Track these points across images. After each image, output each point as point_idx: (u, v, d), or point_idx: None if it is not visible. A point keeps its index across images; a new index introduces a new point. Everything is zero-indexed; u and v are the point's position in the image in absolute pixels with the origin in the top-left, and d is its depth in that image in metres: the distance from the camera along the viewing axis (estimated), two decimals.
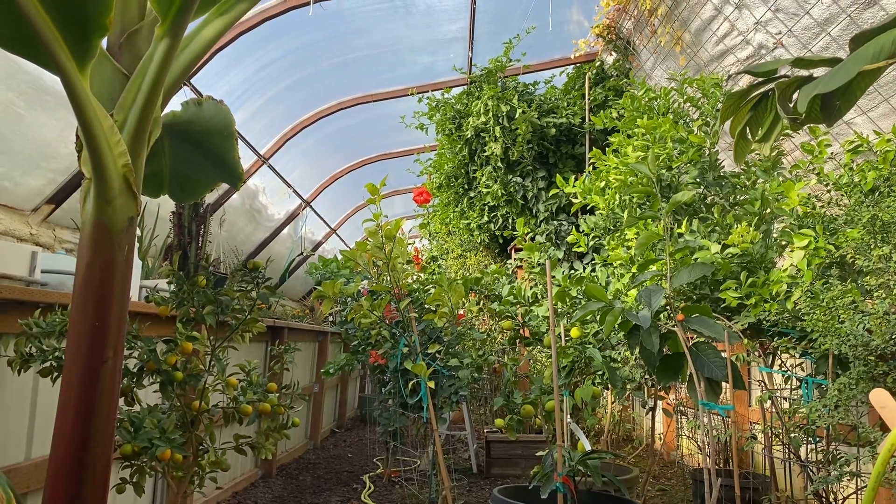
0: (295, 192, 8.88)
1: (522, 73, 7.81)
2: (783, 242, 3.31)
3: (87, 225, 1.37)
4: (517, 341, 4.51)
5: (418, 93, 7.83)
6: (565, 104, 7.63)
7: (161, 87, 1.42)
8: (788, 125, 1.53)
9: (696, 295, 3.47)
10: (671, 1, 5.41)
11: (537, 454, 3.36)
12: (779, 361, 3.49)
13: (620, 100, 5.09)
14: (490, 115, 7.29)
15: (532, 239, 7.21)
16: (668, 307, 3.06)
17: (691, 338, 3.03)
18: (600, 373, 3.51)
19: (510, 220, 7.83)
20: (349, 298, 5.63)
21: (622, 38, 6.87)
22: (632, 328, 3.06)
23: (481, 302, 4.98)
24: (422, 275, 5.75)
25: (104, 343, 1.35)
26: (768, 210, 3.57)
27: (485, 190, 7.70)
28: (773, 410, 3.34)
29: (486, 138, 7.48)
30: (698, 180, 3.99)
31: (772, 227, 3.61)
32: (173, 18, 1.38)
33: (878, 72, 1.27)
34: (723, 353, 2.89)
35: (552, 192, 6.19)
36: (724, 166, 4.15)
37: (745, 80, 4.79)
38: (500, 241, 8.38)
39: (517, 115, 7.11)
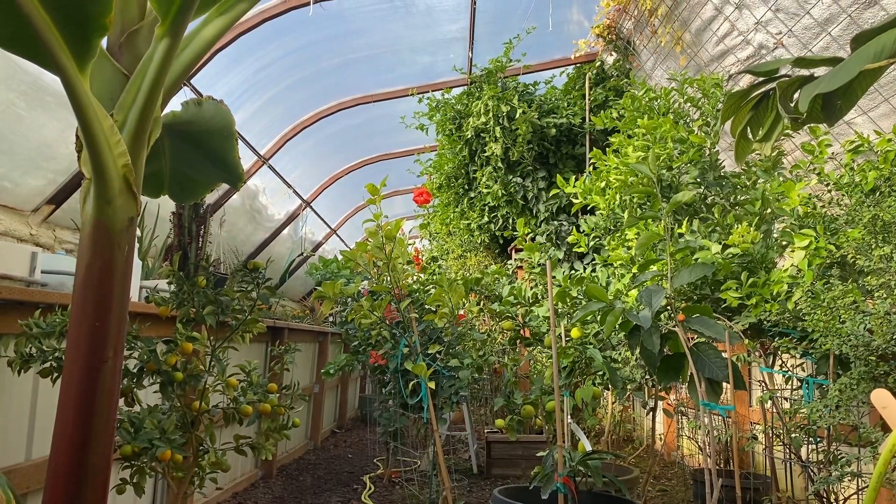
0: (295, 192, 8.88)
1: (523, 74, 7.80)
2: (784, 242, 3.31)
3: (86, 225, 1.37)
4: (517, 342, 4.51)
5: (418, 93, 7.83)
6: (565, 104, 7.62)
7: (161, 86, 1.42)
8: (789, 125, 1.53)
9: (696, 295, 3.47)
10: (671, 1, 5.41)
11: (538, 455, 3.36)
12: (779, 362, 3.49)
13: (621, 100, 5.08)
14: (490, 115, 7.29)
15: (532, 239, 7.21)
16: (668, 307, 3.06)
17: (692, 338, 3.03)
18: (601, 373, 3.51)
19: (510, 221, 7.83)
20: (349, 299, 5.63)
21: (622, 39, 6.87)
22: (632, 328, 3.06)
23: (482, 302, 4.98)
24: (422, 275, 5.74)
25: (104, 343, 1.35)
26: (769, 210, 3.57)
27: (485, 190, 7.70)
28: (774, 411, 3.34)
29: (487, 138, 7.48)
30: (699, 180, 3.98)
31: (772, 228, 3.60)
32: (173, 18, 1.37)
33: (880, 71, 1.27)
34: (723, 354, 2.89)
35: (552, 192, 6.19)
36: (724, 166, 4.15)
37: (746, 81, 4.79)
38: (501, 241, 8.37)
39: (517, 116, 7.11)
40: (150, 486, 3.68)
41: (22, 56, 1.43)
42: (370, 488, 5.23)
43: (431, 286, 5.20)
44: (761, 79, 1.58)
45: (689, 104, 4.41)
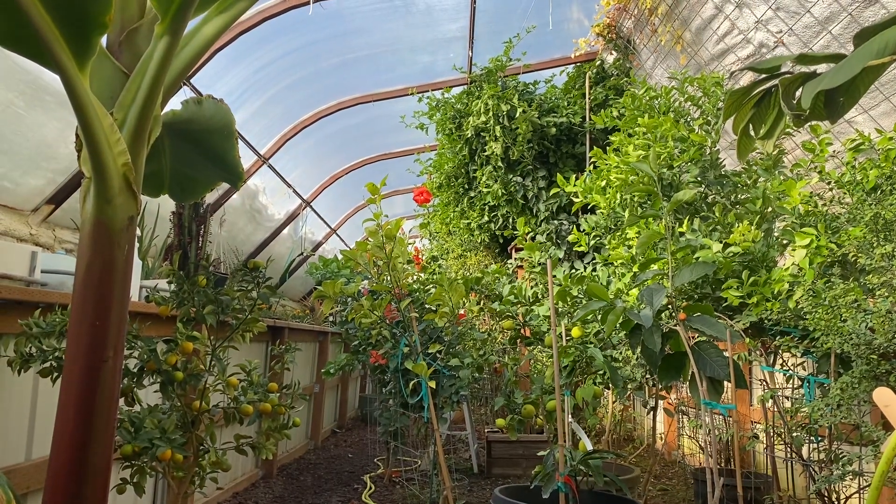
0: (295, 192, 8.88)
1: (523, 73, 7.80)
2: (785, 241, 3.31)
3: (86, 224, 1.36)
4: (518, 341, 4.50)
5: (418, 92, 7.82)
6: (566, 103, 7.62)
7: (161, 85, 1.41)
8: (792, 121, 1.52)
9: (697, 294, 3.46)
10: (672, 0, 5.41)
11: (538, 454, 3.35)
12: (780, 360, 3.48)
13: (621, 99, 5.08)
14: (490, 114, 7.28)
15: (532, 238, 7.20)
16: (669, 306, 3.06)
17: (693, 337, 3.02)
18: (601, 372, 3.50)
19: (510, 220, 7.83)
20: (350, 298, 5.62)
21: (622, 37, 6.86)
22: (633, 327, 3.05)
23: (482, 302, 4.97)
24: (422, 275, 5.74)
25: (104, 343, 1.35)
26: (770, 209, 3.56)
27: (485, 189, 7.70)
28: (775, 410, 3.33)
29: (487, 138, 7.47)
30: (699, 179, 3.98)
31: (773, 226, 3.60)
32: (173, 16, 1.37)
33: (883, 67, 1.26)
34: (725, 353, 2.88)
35: (553, 191, 6.18)
36: (725, 165, 4.15)
37: (746, 79, 4.78)
38: (501, 240, 8.37)
39: (517, 115, 7.10)
40: (151, 485, 3.68)
41: (21, 54, 1.43)
42: (371, 488, 5.23)
43: (432, 285, 5.19)
44: (763, 76, 1.57)
45: (689, 103, 4.40)
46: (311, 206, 9.64)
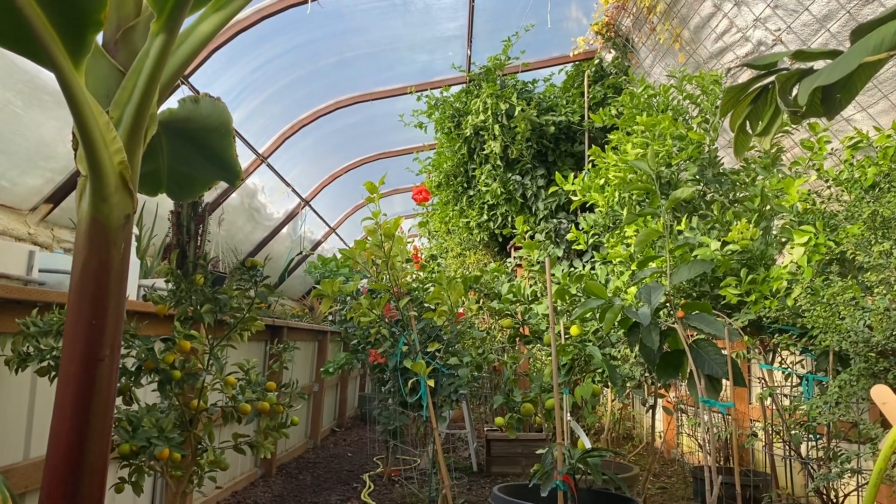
0: (294, 191, 8.87)
1: (521, 71, 7.80)
2: (783, 239, 3.30)
3: (83, 223, 1.36)
4: (517, 339, 4.50)
5: (417, 91, 7.82)
6: (564, 102, 7.62)
7: (157, 83, 1.41)
8: (788, 118, 1.52)
9: (695, 292, 3.46)
10: None
11: (537, 452, 3.36)
12: (779, 358, 3.48)
13: (619, 97, 5.07)
14: (489, 113, 7.28)
15: (531, 237, 7.20)
16: (667, 304, 3.06)
17: (691, 335, 3.02)
18: (600, 371, 3.50)
19: (509, 219, 7.82)
20: (348, 297, 5.62)
21: (621, 36, 6.86)
22: (632, 325, 3.05)
23: (481, 300, 4.97)
24: (421, 273, 5.74)
25: (101, 341, 1.34)
26: (768, 207, 3.56)
27: (484, 188, 7.69)
28: (774, 408, 3.33)
29: (485, 136, 7.47)
30: (698, 177, 3.98)
31: (771, 224, 3.60)
32: (169, 14, 1.37)
33: (879, 64, 1.26)
34: (723, 351, 2.88)
35: (551, 189, 6.18)
36: (723, 163, 4.15)
37: (744, 77, 4.78)
38: (500, 239, 8.37)
39: (516, 114, 7.10)
40: (149, 484, 3.67)
41: (17, 52, 1.42)
42: (370, 487, 5.23)
43: (430, 284, 5.19)
44: (760, 73, 1.57)
45: (687, 101, 4.40)
46: (309, 205, 9.64)
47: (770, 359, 3.47)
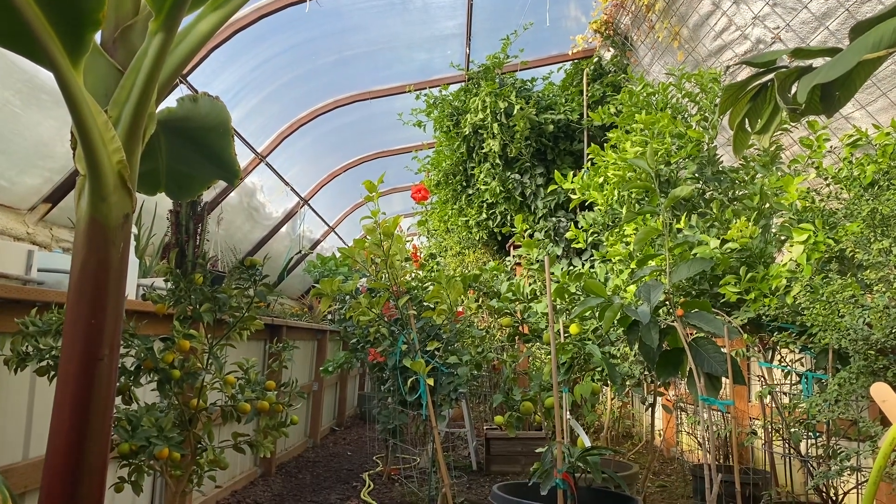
0: (293, 190, 8.87)
1: (520, 70, 7.79)
2: (782, 237, 3.31)
3: (81, 222, 1.36)
4: (516, 338, 4.50)
5: (416, 90, 7.82)
6: (563, 100, 7.62)
7: (156, 82, 1.41)
8: (788, 116, 1.52)
9: (695, 290, 3.46)
10: None
11: (537, 451, 3.36)
12: (778, 356, 3.49)
13: (618, 95, 5.07)
14: (488, 111, 7.28)
15: (531, 236, 7.20)
16: (667, 302, 3.05)
17: (691, 333, 3.02)
18: (599, 369, 3.50)
19: (508, 217, 7.82)
20: (347, 296, 5.62)
21: (620, 34, 6.86)
22: (631, 324, 3.05)
23: (480, 299, 4.97)
24: (420, 272, 5.74)
25: (100, 341, 1.34)
26: (767, 205, 3.56)
27: (483, 187, 7.69)
28: (773, 406, 3.34)
29: (484, 135, 7.47)
30: (697, 175, 3.98)
31: (771, 222, 3.60)
32: (167, 13, 1.36)
33: (878, 61, 1.26)
34: (722, 349, 2.88)
35: (550, 188, 6.18)
36: (722, 161, 4.15)
37: (743, 75, 4.78)
38: (499, 237, 8.37)
39: (515, 112, 7.10)
40: (149, 484, 3.67)
41: (15, 52, 1.42)
42: (369, 485, 5.23)
43: (430, 283, 5.19)
44: (759, 70, 1.57)
45: (686, 99, 4.40)
46: (308, 204, 9.63)
47: (769, 357, 3.48)
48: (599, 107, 5.95)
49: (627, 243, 4.05)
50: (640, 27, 6.35)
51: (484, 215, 8.04)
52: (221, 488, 4.69)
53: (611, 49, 7.14)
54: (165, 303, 2.96)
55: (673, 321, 2.97)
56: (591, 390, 3.36)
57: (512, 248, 7.83)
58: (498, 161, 7.43)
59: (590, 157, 4.84)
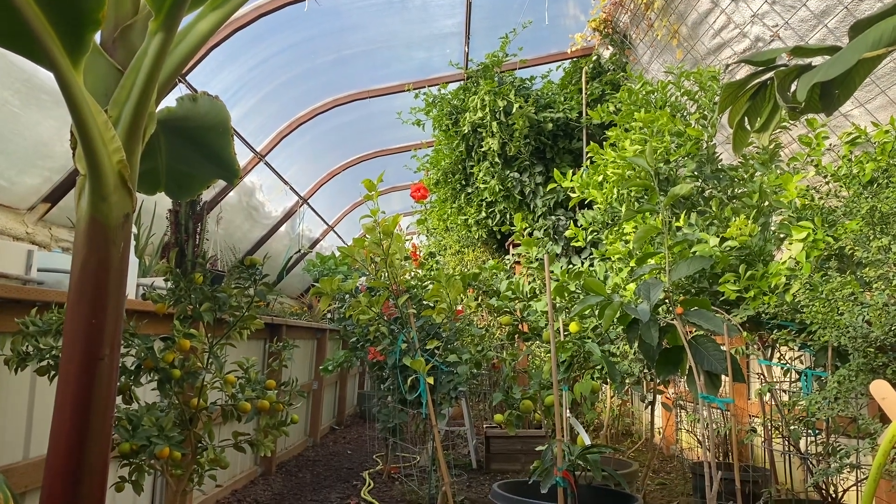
0: (292, 189, 8.87)
1: (519, 68, 7.79)
2: (781, 235, 3.31)
3: (81, 222, 1.36)
4: (516, 336, 4.50)
5: (415, 88, 7.81)
6: (562, 99, 7.62)
7: (156, 82, 1.41)
8: (787, 114, 1.52)
9: (694, 288, 3.46)
10: None
11: (537, 449, 3.36)
12: (778, 354, 3.49)
13: (617, 94, 5.07)
14: (487, 110, 7.28)
15: (530, 234, 7.20)
16: (666, 300, 3.06)
17: (690, 331, 3.02)
18: (599, 367, 3.51)
19: (508, 216, 7.83)
20: (347, 295, 5.62)
21: (619, 33, 6.86)
22: (631, 322, 3.05)
23: (479, 298, 4.97)
24: (420, 271, 5.74)
25: (100, 341, 1.34)
26: (766, 203, 3.56)
27: (482, 185, 7.69)
28: (773, 403, 3.34)
29: (483, 134, 7.46)
30: (696, 173, 3.98)
31: (770, 220, 3.60)
32: (167, 13, 1.36)
33: (878, 59, 1.26)
34: (722, 347, 2.89)
35: (550, 186, 6.18)
36: (721, 159, 4.15)
37: (742, 73, 4.78)
38: (498, 236, 8.37)
39: (514, 111, 7.10)
40: (149, 483, 3.68)
41: (15, 52, 1.42)
42: (370, 484, 5.23)
43: (429, 282, 5.19)
44: (758, 69, 1.57)
45: (685, 97, 4.40)
46: (308, 203, 9.63)
47: (769, 354, 3.48)
48: (598, 105, 5.95)
49: (627, 241, 4.05)
50: (638, 25, 6.35)
51: (483, 214, 8.04)
52: (222, 487, 4.69)
53: (609, 47, 7.14)
54: (165, 302, 2.96)
55: (672, 319, 2.97)
56: (591, 388, 3.36)
57: (511, 247, 7.83)
58: (497, 160, 7.43)
59: (589, 155, 4.84)
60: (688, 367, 2.91)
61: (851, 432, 2.73)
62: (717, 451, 4.37)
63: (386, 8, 6.66)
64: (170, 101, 1.94)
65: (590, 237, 4.77)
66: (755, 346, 3.48)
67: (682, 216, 3.73)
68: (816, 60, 1.44)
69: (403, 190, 10.62)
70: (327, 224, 11.11)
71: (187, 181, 2.17)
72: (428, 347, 4.28)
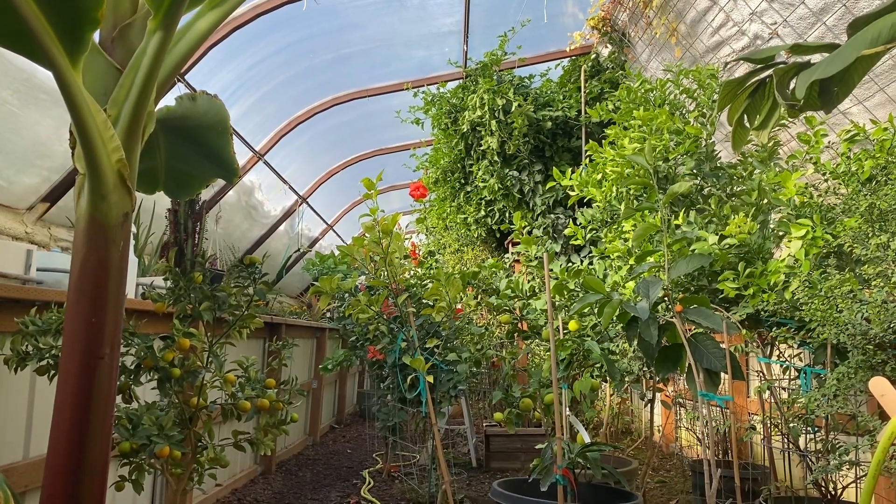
0: (291, 188, 8.86)
1: (518, 67, 7.79)
2: (780, 232, 3.31)
3: (81, 221, 1.36)
4: (515, 335, 4.51)
5: (413, 87, 7.81)
6: (561, 97, 7.62)
7: (154, 81, 1.41)
8: (786, 112, 1.53)
9: (693, 286, 3.47)
10: None
11: (536, 447, 3.36)
12: (777, 352, 3.49)
13: (616, 92, 5.07)
14: (486, 108, 7.27)
15: (529, 233, 7.20)
16: (666, 298, 3.06)
17: (690, 329, 3.03)
18: (599, 365, 3.51)
19: (507, 214, 7.83)
20: (347, 294, 5.62)
21: (617, 31, 6.85)
22: (630, 320, 3.06)
23: (479, 296, 4.97)
24: (419, 270, 5.74)
25: (100, 340, 1.34)
26: (765, 200, 3.57)
27: (481, 184, 7.69)
28: (772, 401, 3.34)
29: (483, 132, 7.46)
30: (695, 171, 3.98)
31: (769, 218, 3.60)
32: (166, 11, 1.36)
33: (876, 57, 1.26)
34: (721, 344, 2.89)
35: (549, 185, 6.18)
36: (720, 157, 4.15)
37: (741, 71, 4.78)
38: (498, 235, 8.37)
39: (513, 109, 7.10)
40: (149, 482, 3.68)
41: (14, 51, 1.42)
42: (369, 483, 5.24)
43: (429, 280, 5.19)
44: (757, 67, 1.57)
45: (684, 95, 4.40)
46: (307, 203, 9.63)
47: (768, 352, 3.48)
48: (597, 103, 5.95)
49: (626, 240, 4.06)
50: (637, 23, 6.35)
51: (482, 212, 8.03)
52: (222, 486, 4.70)
53: (608, 45, 7.14)
54: (165, 301, 2.96)
55: (672, 317, 2.97)
56: (591, 387, 3.36)
57: (510, 245, 7.83)
58: (496, 158, 7.43)
59: (588, 153, 4.84)
60: (687, 364, 2.91)
61: (850, 429, 2.73)
62: (716, 448, 4.38)
63: (384, 7, 6.66)
64: (169, 100, 1.94)
65: (589, 235, 4.77)
66: (754, 344, 3.48)
67: (681, 214, 3.73)
68: (815, 58, 1.44)
69: (402, 189, 10.61)
70: (326, 223, 11.11)
71: (186, 180, 2.17)
72: (427, 346, 4.29)
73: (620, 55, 7.11)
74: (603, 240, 4.49)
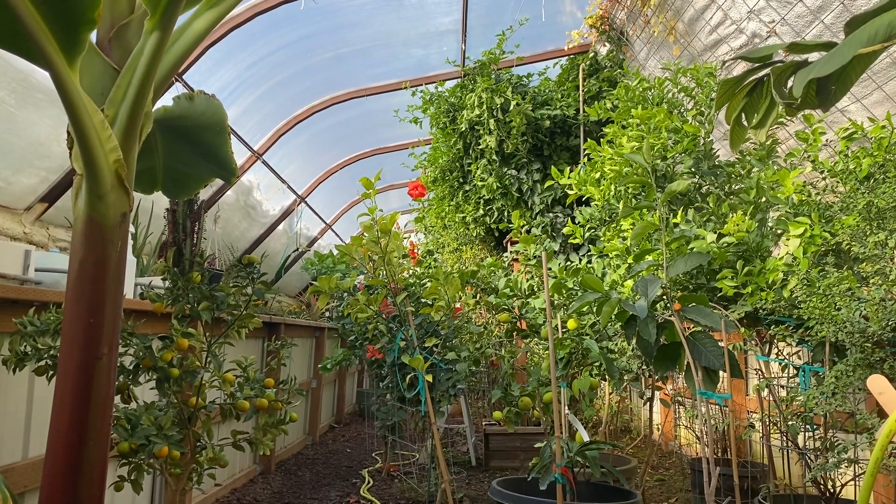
0: (289, 187, 8.85)
1: (516, 65, 7.79)
2: (779, 231, 3.31)
3: (79, 221, 1.36)
4: (514, 334, 4.51)
5: (412, 86, 7.80)
6: (559, 96, 7.62)
7: (152, 80, 1.41)
8: (784, 110, 1.53)
9: (692, 284, 3.47)
10: None
11: (536, 446, 3.37)
12: (776, 350, 3.49)
13: (614, 91, 5.08)
14: (484, 107, 7.27)
15: (528, 231, 7.21)
16: (664, 297, 3.06)
17: (688, 327, 3.03)
18: (597, 364, 3.51)
19: (506, 213, 7.83)
20: (345, 293, 5.62)
21: (615, 29, 6.85)
22: (628, 318, 3.06)
23: (478, 295, 4.97)
24: (418, 269, 5.74)
25: (99, 340, 1.34)
26: (763, 199, 3.57)
27: (480, 183, 7.69)
28: (771, 399, 3.35)
29: (481, 131, 7.46)
30: (693, 170, 3.98)
31: (767, 216, 3.61)
32: (163, 12, 1.36)
33: (874, 55, 1.26)
34: (720, 343, 2.89)
35: (547, 184, 6.18)
36: (718, 155, 4.15)
37: (739, 69, 4.78)
38: (496, 234, 8.37)
39: (511, 108, 7.10)
40: (149, 482, 3.68)
41: (10, 51, 1.42)
42: (369, 482, 5.24)
43: (427, 280, 5.19)
44: (755, 65, 1.57)
45: (682, 94, 4.40)
46: (305, 202, 9.62)
47: (767, 350, 3.49)
48: (595, 102, 5.95)
49: (624, 238, 4.06)
50: (635, 22, 6.35)
51: (481, 211, 8.03)
52: (221, 486, 4.69)
53: (606, 44, 7.14)
54: (163, 301, 2.96)
55: (670, 315, 2.98)
56: (590, 385, 3.37)
57: (509, 244, 7.84)
58: (494, 157, 7.43)
59: (586, 152, 4.84)
60: (686, 363, 2.91)
61: (849, 427, 2.74)
62: (715, 446, 4.38)
63: (383, 6, 6.65)
64: (166, 101, 1.94)
65: (587, 234, 4.78)
66: (753, 342, 3.49)
67: (680, 212, 3.73)
68: (813, 56, 1.44)
69: (401, 188, 10.61)
70: (325, 222, 11.10)
71: (184, 180, 2.17)
72: (426, 345, 4.29)
73: (618, 54, 7.11)
74: (601, 238, 4.49)
